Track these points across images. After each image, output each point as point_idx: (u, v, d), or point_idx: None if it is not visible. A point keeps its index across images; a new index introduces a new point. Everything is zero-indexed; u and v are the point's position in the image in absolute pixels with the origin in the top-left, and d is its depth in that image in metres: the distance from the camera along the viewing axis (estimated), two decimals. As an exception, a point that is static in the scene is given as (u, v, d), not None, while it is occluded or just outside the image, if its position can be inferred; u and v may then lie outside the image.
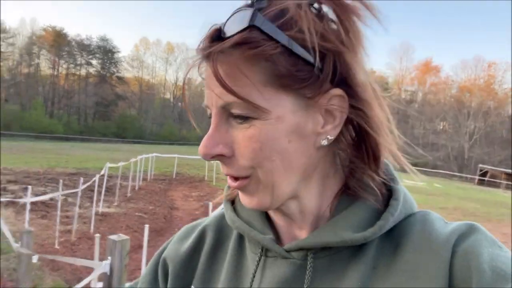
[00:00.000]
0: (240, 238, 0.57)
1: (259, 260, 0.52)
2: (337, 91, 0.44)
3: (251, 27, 0.41)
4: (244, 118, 0.44)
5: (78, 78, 60.25)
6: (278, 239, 0.53)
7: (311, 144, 0.46)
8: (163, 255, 0.62)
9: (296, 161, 0.46)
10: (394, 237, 0.48)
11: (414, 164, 0.51)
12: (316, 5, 0.44)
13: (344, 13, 0.43)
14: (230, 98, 0.43)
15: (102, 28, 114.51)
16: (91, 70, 61.66)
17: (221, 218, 0.61)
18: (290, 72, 0.42)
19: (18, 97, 52.63)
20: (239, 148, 0.45)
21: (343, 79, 0.44)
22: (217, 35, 0.43)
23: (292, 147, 0.45)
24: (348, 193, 0.50)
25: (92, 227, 7.22)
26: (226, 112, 0.45)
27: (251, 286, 0.51)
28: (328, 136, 0.46)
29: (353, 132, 0.49)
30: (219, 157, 0.46)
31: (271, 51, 0.41)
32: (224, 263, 0.56)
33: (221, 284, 0.55)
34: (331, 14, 0.44)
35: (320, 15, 0.44)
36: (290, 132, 0.44)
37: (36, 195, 7.98)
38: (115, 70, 63.72)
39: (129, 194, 11.25)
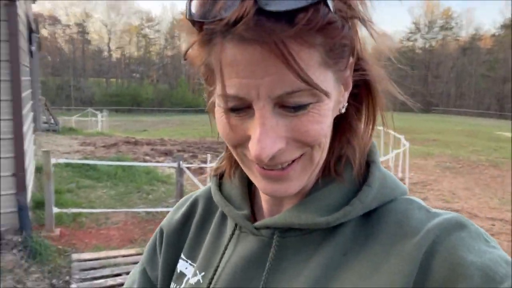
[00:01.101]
0: (224, 212, 0.57)
1: (232, 234, 0.53)
2: (351, 59, 0.43)
3: (320, 2, 0.35)
4: (303, 107, 0.39)
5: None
6: (254, 215, 0.53)
7: (335, 114, 0.45)
8: (160, 225, 0.64)
9: (329, 135, 0.45)
10: (370, 224, 0.46)
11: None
12: None
13: None
14: (294, 86, 0.37)
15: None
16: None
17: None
18: (338, 47, 0.39)
19: (166, 77, 60.05)
20: (299, 134, 0.41)
21: (354, 46, 0.42)
22: (281, 4, 0.34)
23: (330, 121, 0.44)
24: (327, 173, 0.48)
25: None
26: (277, 102, 0.39)
27: (221, 258, 0.52)
28: (345, 103, 0.46)
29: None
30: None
31: (336, 27, 0.37)
32: (207, 235, 0.58)
33: (201, 255, 0.56)
34: None
35: None
36: (333, 107, 0.43)
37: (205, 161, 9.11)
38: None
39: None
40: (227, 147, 0.52)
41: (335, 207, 0.46)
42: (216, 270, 0.51)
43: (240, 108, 0.40)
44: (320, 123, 0.41)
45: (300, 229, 0.47)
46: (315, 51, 0.37)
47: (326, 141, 0.44)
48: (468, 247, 0.39)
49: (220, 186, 0.57)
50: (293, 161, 0.43)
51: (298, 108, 0.39)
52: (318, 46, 0.37)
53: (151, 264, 0.62)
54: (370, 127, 0.48)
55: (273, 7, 0.34)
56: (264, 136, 0.39)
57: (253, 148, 0.40)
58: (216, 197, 0.56)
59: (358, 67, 0.45)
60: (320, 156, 0.44)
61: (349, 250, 0.45)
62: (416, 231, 0.42)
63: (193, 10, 0.38)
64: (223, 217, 0.58)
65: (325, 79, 0.40)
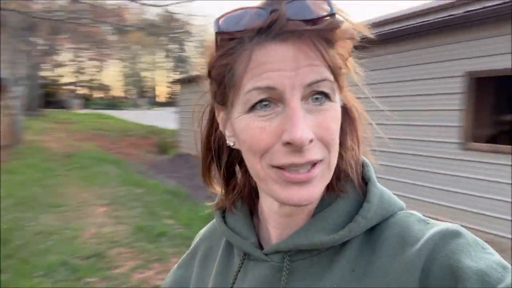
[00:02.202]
0: (230, 244, 0.59)
1: (242, 263, 0.54)
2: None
3: (334, 14, 0.43)
4: (326, 98, 0.44)
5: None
6: (261, 244, 0.55)
7: None
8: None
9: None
10: (373, 239, 0.48)
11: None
12: None
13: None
14: (323, 75, 0.43)
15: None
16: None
17: (213, 227, 0.66)
18: (346, 60, 0.46)
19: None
20: (323, 130, 0.44)
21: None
22: (304, 13, 0.42)
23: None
24: (331, 190, 0.51)
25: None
26: (306, 92, 0.43)
27: (232, 287, 0.53)
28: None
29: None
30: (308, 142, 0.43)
31: (351, 42, 0.46)
32: (214, 267, 0.59)
33: (210, 286, 0.58)
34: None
35: None
36: (340, 117, 0.47)
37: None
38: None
39: None
40: (224, 184, 0.58)
41: (340, 225, 0.48)
42: None
43: (266, 103, 0.43)
44: (336, 123, 0.46)
45: (309, 251, 0.49)
46: (334, 52, 0.44)
47: (337, 149, 0.47)
48: (465, 252, 0.41)
49: (223, 220, 0.59)
50: (314, 165, 0.44)
51: (322, 100, 0.44)
52: (331, 49, 0.44)
53: None
54: (357, 144, 0.51)
55: (299, 16, 0.42)
56: (301, 121, 0.42)
57: (292, 131, 0.41)
58: (222, 229, 0.57)
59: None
60: (334, 164, 0.47)
61: (357, 266, 0.47)
62: (417, 240, 0.44)
63: (222, 24, 0.44)
64: (228, 249, 0.59)
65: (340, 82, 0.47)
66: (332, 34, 0.43)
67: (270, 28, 0.42)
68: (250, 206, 0.58)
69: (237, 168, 0.58)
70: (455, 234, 0.43)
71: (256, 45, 0.43)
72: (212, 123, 0.55)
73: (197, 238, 0.68)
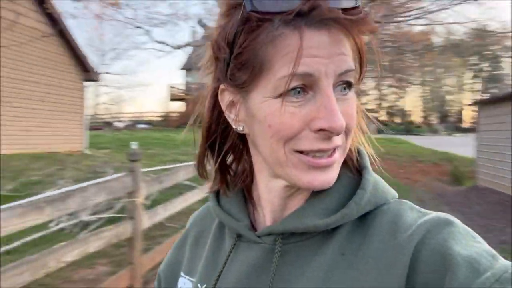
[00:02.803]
0: (221, 226, 0.60)
1: (234, 245, 0.54)
2: None
3: (362, 6, 0.45)
4: (349, 87, 0.46)
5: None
6: (253, 226, 0.55)
7: None
8: (158, 271, 0.67)
9: None
10: (365, 225, 0.48)
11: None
12: None
13: None
14: (351, 65, 0.45)
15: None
16: None
17: (204, 210, 0.66)
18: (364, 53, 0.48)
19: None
20: (347, 118, 0.45)
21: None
22: (344, 1, 0.43)
23: None
24: None
25: None
26: (336, 80, 0.44)
27: (223, 268, 0.54)
28: None
29: None
30: None
31: (373, 32, 0.46)
32: (205, 249, 0.60)
33: (200, 268, 0.58)
34: None
35: None
36: None
37: None
38: None
39: None
40: (216, 166, 0.56)
41: (333, 210, 0.49)
42: (217, 280, 0.53)
43: (298, 89, 0.43)
44: (356, 111, 0.48)
45: (301, 235, 0.50)
46: (363, 42, 0.46)
47: (352, 136, 0.50)
48: (456, 240, 0.42)
49: (218, 203, 0.59)
50: (334, 151, 0.46)
51: (346, 88, 0.46)
52: (363, 38, 0.46)
53: None
54: (358, 133, 0.54)
55: (341, 4, 0.42)
56: (337, 109, 0.43)
57: (330, 119, 0.43)
58: (216, 211, 0.58)
59: None
60: (347, 150, 0.49)
61: (347, 249, 0.47)
62: (409, 226, 0.45)
63: (257, 2, 0.42)
64: (220, 231, 0.60)
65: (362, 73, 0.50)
66: (364, 25, 0.44)
67: (309, 14, 0.42)
68: (245, 191, 0.58)
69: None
70: (447, 223, 0.44)
71: (293, 29, 0.42)
72: (214, 106, 0.52)
73: (188, 223, 0.68)
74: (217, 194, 0.60)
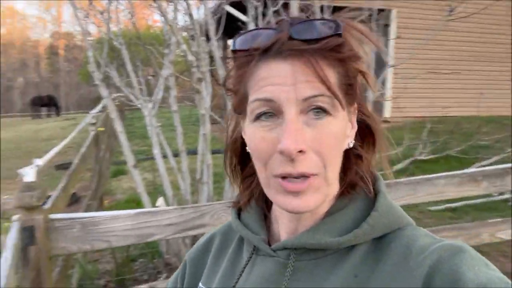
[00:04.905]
0: (241, 240, 0.63)
1: (250, 257, 0.57)
2: (355, 105, 0.53)
3: (340, 35, 0.46)
4: (325, 113, 0.47)
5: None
6: (271, 241, 0.58)
7: (344, 146, 0.52)
8: (185, 257, 0.70)
9: (340, 162, 0.52)
10: (379, 249, 0.50)
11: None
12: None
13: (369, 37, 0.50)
14: (319, 91, 0.46)
15: None
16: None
17: (228, 226, 0.67)
18: (353, 82, 0.50)
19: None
20: (318, 144, 0.47)
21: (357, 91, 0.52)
22: (307, 33, 0.46)
23: (342, 147, 0.51)
24: (341, 199, 0.54)
25: None
26: (304, 106, 0.46)
27: (238, 279, 0.56)
28: (351, 139, 0.53)
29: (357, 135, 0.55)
30: (298, 153, 0.45)
31: (355, 60, 0.49)
32: (224, 261, 0.62)
33: (218, 279, 0.60)
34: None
35: None
36: (343, 136, 0.50)
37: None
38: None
39: None
40: (241, 184, 0.62)
41: (346, 229, 0.51)
42: None
43: (270, 114, 0.47)
44: (335, 138, 0.48)
45: (315, 253, 0.52)
46: (334, 72, 0.47)
47: (337, 163, 0.51)
48: (468, 266, 0.42)
49: (238, 217, 0.62)
50: (310, 177, 0.47)
51: (321, 114, 0.47)
52: (336, 68, 0.48)
53: None
54: (371, 156, 0.55)
55: (302, 36, 0.46)
56: (293, 132, 0.45)
57: (283, 140, 0.45)
58: (236, 224, 0.61)
59: (360, 112, 0.55)
60: (333, 179, 0.50)
61: (360, 272, 0.49)
62: (422, 252, 0.46)
63: (237, 42, 0.50)
64: (240, 245, 0.62)
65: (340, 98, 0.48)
66: (331, 53, 0.47)
67: (272, 47, 0.47)
68: (265, 207, 0.61)
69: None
70: (460, 249, 0.45)
71: (261, 61, 0.48)
72: (235, 127, 0.59)
73: (208, 235, 0.70)
74: (238, 210, 0.64)
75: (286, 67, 0.46)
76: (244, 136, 0.55)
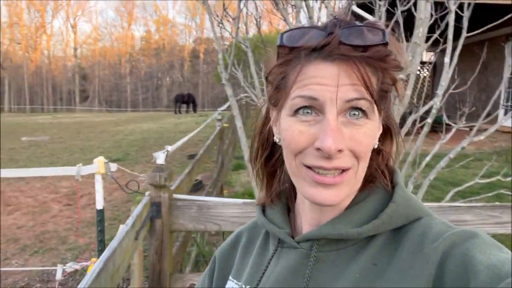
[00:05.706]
0: (267, 235, 0.65)
1: (276, 250, 0.60)
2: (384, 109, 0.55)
3: (386, 44, 0.48)
4: (363, 115, 0.49)
5: None
6: (294, 234, 0.60)
7: (373, 146, 0.54)
8: (215, 253, 0.74)
9: (369, 160, 0.54)
10: (398, 239, 0.51)
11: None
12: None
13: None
14: (362, 94, 0.48)
15: None
16: None
17: (254, 223, 0.71)
18: (390, 89, 0.52)
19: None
20: (354, 144, 0.49)
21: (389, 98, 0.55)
22: (356, 39, 0.48)
23: (372, 147, 0.53)
24: (362, 190, 0.56)
25: None
26: (345, 107, 0.48)
27: (264, 271, 0.59)
28: (377, 141, 0.55)
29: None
30: (336, 152, 0.48)
31: (397, 70, 0.51)
32: (252, 256, 0.65)
33: (246, 272, 0.63)
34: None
35: None
36: (376, 135, 0.53)
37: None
38: None
39: None
40: (267, 178, 0.65)
41: (366, 221, 0.53)
42: (259, 281, 0.59)
43: (310, 110, 0.49)
44: (370, 138, 0.51)
45: (336, 244, 0.54)
46: (375, 78, 0.50)
47: (367, 161, 0.53)
48: (480, 250, 0.43)
49: (263, 213, 0.65)
50: (342, 172, 0.49)
51: (360, 116, 0.49)
52: (377, 75, 0.50)
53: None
54: (391, 154, 0.59)
55: (351, 41, 0.47)
56: (334, 131, 0.47)
57: (323, 140, 0.47)
58: (261, 220, 0.64)
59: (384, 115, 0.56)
60: (361, 173, 0.52)
61: (379, 260, 0.51)
62: (436, 238, 0.47)
63: (285, 39, 0.51)
64: (266, 240, 0.65)
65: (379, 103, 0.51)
66: (378, 62, 0.49)
67: (322, 49, 0.48)
68: (288, 202, 0.64)
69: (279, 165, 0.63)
70: (474, 235, 0.46)
71: (308, 61, 0.49)
72: (266, 119, 0.61)
73: (236, 232, 0.73)
74: (263, 206, 0.66)
75: (333, 69, 0.48)
76: (274, 128, 0.57)
